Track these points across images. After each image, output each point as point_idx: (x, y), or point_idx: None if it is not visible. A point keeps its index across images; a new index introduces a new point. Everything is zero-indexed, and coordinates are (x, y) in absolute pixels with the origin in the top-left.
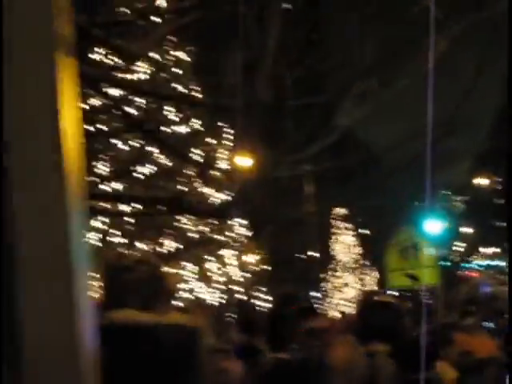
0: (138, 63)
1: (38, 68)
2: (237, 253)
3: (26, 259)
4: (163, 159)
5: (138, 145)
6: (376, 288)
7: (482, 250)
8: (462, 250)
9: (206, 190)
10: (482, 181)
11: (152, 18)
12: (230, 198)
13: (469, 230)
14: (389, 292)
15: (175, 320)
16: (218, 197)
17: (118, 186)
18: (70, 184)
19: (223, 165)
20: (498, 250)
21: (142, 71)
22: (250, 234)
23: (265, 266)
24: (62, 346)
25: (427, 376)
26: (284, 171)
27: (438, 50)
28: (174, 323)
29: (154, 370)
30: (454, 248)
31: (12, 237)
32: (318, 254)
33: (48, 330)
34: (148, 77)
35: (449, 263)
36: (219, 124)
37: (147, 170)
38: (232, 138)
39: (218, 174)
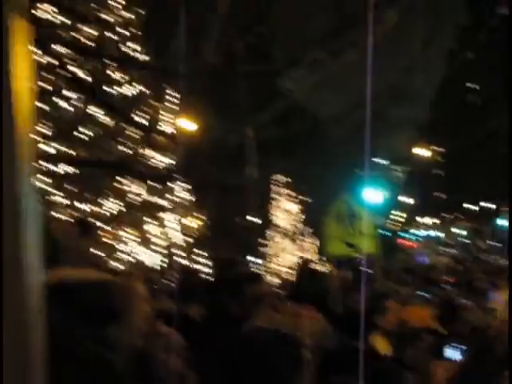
0: (86, 23)
1: None
2: (178, 217)
3: None
4: (107, 121)
5: (81, 105)
6: (315, 255)
7: (420, 220)
8: (401, 219)
9: (151, 154)
10: (422, 151)
11: None
12: (174, 162)
13: (408, 200)
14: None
15: (110, 279)
16: (162, 161)
17: (61, 146)
18: (22, 145)
19: (167, 128)
20: (436, 220)
21: (88, 31)
22: (192, 198)
23: (206, 231)
24: (10, 304)
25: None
26: (230, 138)
27: (388, 23)
28: (114, 281)
29: (99, 325)
30: (392, 217)
31: None
32: (258, 220)
33: None
34: (95, 37)
35: (387, 232)
36: (165, 87)
37: (91, 131)
38: (177, 101)
39: (162, 137)
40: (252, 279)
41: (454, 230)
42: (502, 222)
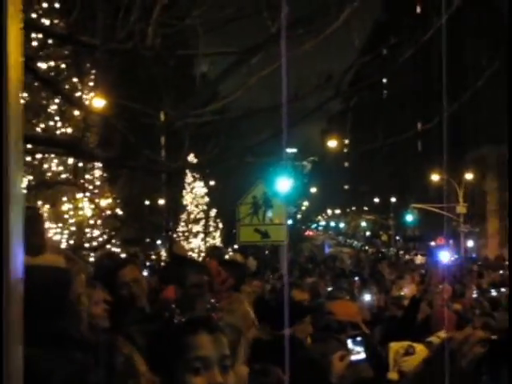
0: None
1: None
2: (90, 195)
3: None
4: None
5: None
6: (220, 241)
7: (325, 210)
8: (307, 209)
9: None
10: (331, 143)
11: None
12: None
13: (315, 191)
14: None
15: (50, 261)
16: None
17: None
18: (13, 122)
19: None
20: (340, 211)
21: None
22: (103, 176)
23: (118, 211)
24: None
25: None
26: (146, 120)
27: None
28: (47, 265)
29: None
30: (299, 207)
31: None
32: (165, 202)
33: None
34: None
35: (295, 222)
36: (83, 63)
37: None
38: (94, 78)
39: (81, 112)
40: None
41: (357, 221)
42: (409, 218)
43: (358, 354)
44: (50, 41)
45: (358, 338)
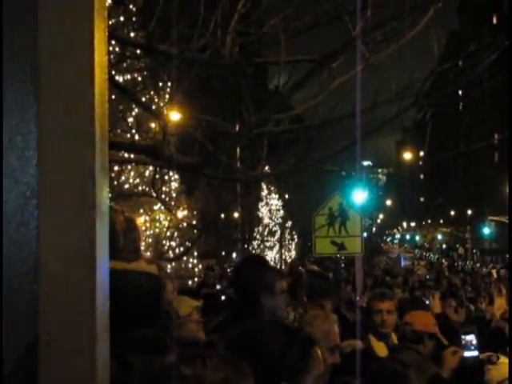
0: None
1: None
2: (168, 207)
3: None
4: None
5: None
6: (295, 253)
7: (400, 223)
8: (383, 221)
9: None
10: (406, 155)
11: None
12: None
13: (390, 203)
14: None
15: (143, 268)
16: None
17: None
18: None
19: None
20: (415, 224)
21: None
22: (181, 188)
23: (194, 223)
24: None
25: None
26: (220, 130)
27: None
28: (141, 271)
29: (121, 315)
30: (374, 219)
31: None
32: (240, 215)
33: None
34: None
35: (370, 235)
36: (159, 75)
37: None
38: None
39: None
40: None
41: (433, 234)
42: (486, 230)
43: (471, 350)
44: (127, 53)
45: (472, 334)
